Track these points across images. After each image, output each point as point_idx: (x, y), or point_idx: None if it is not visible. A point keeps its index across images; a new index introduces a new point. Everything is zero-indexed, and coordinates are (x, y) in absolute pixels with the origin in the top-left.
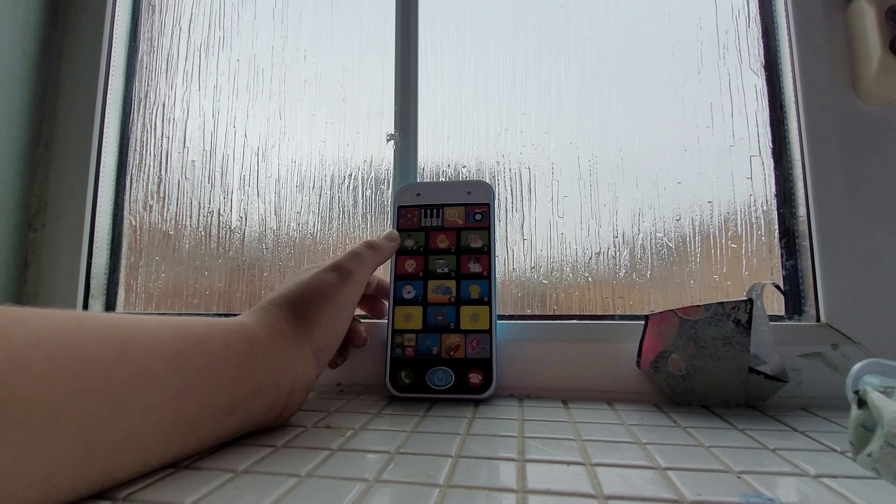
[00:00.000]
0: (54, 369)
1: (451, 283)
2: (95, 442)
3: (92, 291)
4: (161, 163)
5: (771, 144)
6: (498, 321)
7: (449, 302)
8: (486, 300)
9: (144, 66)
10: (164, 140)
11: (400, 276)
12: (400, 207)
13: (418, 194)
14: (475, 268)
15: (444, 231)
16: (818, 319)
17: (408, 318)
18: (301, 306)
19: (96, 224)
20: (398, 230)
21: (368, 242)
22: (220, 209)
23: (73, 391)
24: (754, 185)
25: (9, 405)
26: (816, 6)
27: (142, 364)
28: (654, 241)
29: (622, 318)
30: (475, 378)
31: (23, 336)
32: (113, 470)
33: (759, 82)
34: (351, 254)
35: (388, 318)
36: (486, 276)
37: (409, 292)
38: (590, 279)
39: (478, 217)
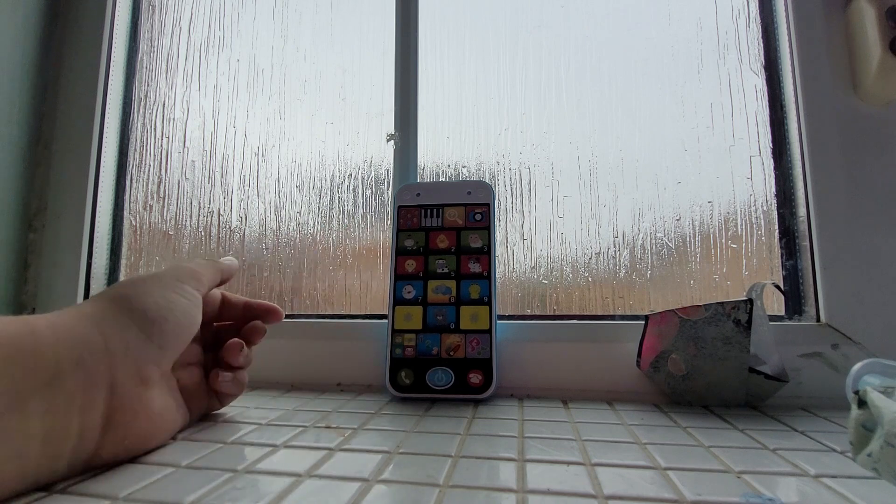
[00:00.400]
0: None
1: (451, 283)
2: None
3: (92, 291)
4: (161, 163)
5: (771, 144)
6: (498, 321)
7: (449, 302)
8: (486, 300)
9: (144, 66)
10: (164, 140)
11: (400, 276)
12: (400, 207)
13: (418, 194)
14: (475, 268)
15: (444, 231)
16: (818, 319)
17: (408, 318)
18: (112, 289)
19: (96, 224)
20: (398, 230)
21: (213, 266)
22: (220, 209)
23: None
24: (754, 185)
25: None
26: (816, 6)
27: None
28: (654, 241)
29: (622, 318)
30: (475, 378)
31: None
32: None
33: (759, 82)
34: (191, 271)
35: (388, 318)
36: (486, 276)
37: (409, 292)
38: (590, 279)
39: (478, 217)
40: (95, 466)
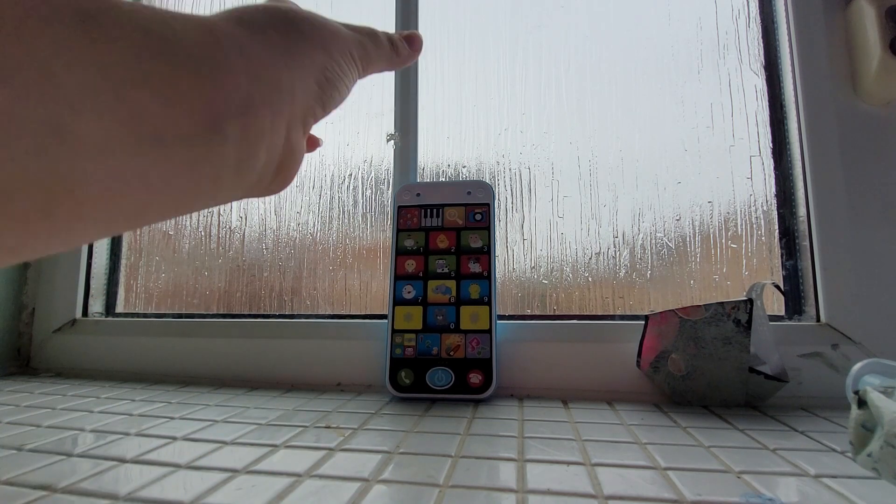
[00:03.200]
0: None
1: (451, 283)
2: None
3: (92, 291)
4: None
5: (771, 144)
6: (498, 321)
7: (449, 302)
8: (486, 300)
9: None
10: None
11: (400, 276)
12: (400, 207)
13: (418, 194)
14: (475, 268)
15: (443, 231)
16: (818, 319)
17: (408, 317)
18: (301, 22)
19: None
20: (398, 230)
21: (391, 37)
22: (220, 209)
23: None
24: (754, 185)
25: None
26: (816, 6)
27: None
28: (654, 241)
29: (622, 318)
30: (475, 378)
31: None
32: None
33: (759, 82)
34: (371, 35)
35: (388, 318)
36: (486, 276)
37: (409, 292)
38: (590, 279)
39: (478, 217)
40: (255, 196)
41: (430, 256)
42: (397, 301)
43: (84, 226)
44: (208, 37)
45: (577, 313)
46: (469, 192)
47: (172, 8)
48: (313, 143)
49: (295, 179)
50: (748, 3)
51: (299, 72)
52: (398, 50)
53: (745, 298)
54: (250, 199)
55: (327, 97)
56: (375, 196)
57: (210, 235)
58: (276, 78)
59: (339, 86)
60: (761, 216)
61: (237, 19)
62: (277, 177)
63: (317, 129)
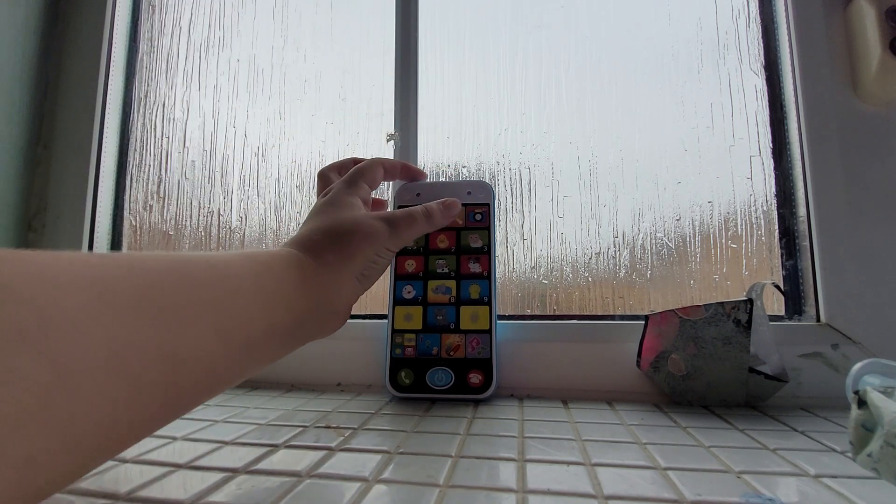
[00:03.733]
0: (185, 288)
1: (451, 283)
2: (226, 341)
3: None
4: (161, 163)
5: (771, 144)
6: (498, 321)
7: (449, 302)
8: (486, 300)
9: (144, 66)
10: (164, 140)
11: (400, 276)
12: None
13: (418, 194)
14: (475, 268)
15: (443, 231)
16: (818, 319)
17: (408, 318)
18: (346, 241)
19: (96, 224)
20: None
21: (427, 210)
22: (220, 209)
23: (204, 303)
24: (754, 185)
25: (166, 311)
26: (816, 6)
27: (238, 283)
28: (654, 241)
29: (622, 318)
30: (475, 378)
31: (153, 267)
32: (239, 369)
33: (759, 82)
34: (408, 216)
35: (388, 318)
36: (486, 276)
37: (409, 292)
38: (590, 279)
39: (478, 217)
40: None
41: (430, 256)
42: (397, 301)
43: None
44: (300, 272)
45: (577, 313)
46: (469, 192)
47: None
48: (379, 205)
49: (295, 180)
50: (748, 3)
51: (349, 275)
52: (433, 219)
53: (745, 298)
54: (250, 199)
55: (367, 281)
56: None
57: (210, 235)
58: (336, 289)
59: (376, 271)
60: (761, 216)
61: (315, 253)
62: (322, 331)
63: (317, 129)
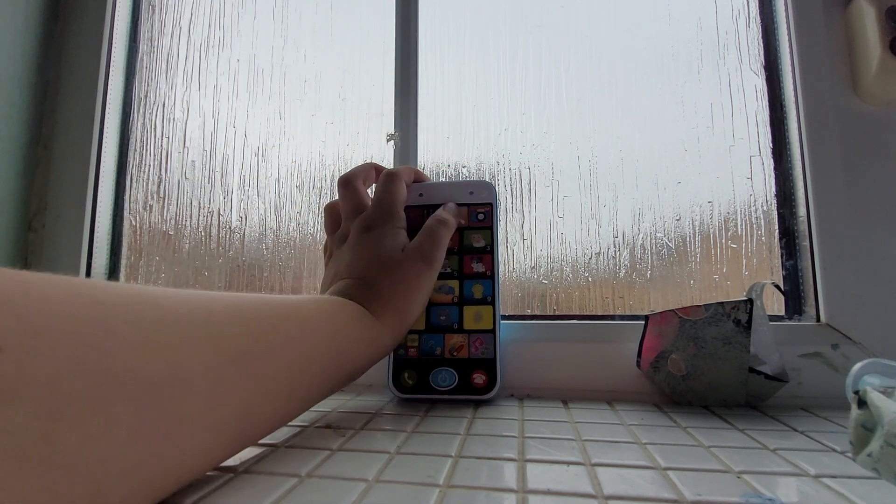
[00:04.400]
0: (209, 340)
1: (454, 283)
2: (294, 393)
3: None
4: (161, 163)
5: (771, 144)
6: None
7: (452, 302)
8: (489, 300)
9: (144, 66)
10: (164, 140)
11: None
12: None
13: (421, 194)
14: (478, 268)
15: None
16: (818, 319)
17: None
18: (399, 298)
19: (96, 224)
20: None
21: (444, 221)
22: (220, 209)
23: (280, 357)
24: (754, 185)
25: (182, 371)
26: (816, 6)
27: (273, 342)
28: (654, 241)
29: (622, 318)
30: (479, 378)
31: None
32: (286, 419)
33: (759, 82)
34: (435, 240)
35: None
36: (490, 276)
37: None
38: (590, 279)
39: (480, 217)
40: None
41: None
42: None
43: None
44: (344, 331)
45: (577, 313)
46: (472, 192)
47: None
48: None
49: (295, 181)
50: (748, 3)
51: (384, 338)
52: (451, 226)
53: (745, 298)
54: (250, 199)
55: (402, 335)
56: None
57: (210, 235)
58: (370, 347)
59: (411, 325)
60: (761, 216)
61: (361, 312)
62: (352, 379)
63: (317, 129)
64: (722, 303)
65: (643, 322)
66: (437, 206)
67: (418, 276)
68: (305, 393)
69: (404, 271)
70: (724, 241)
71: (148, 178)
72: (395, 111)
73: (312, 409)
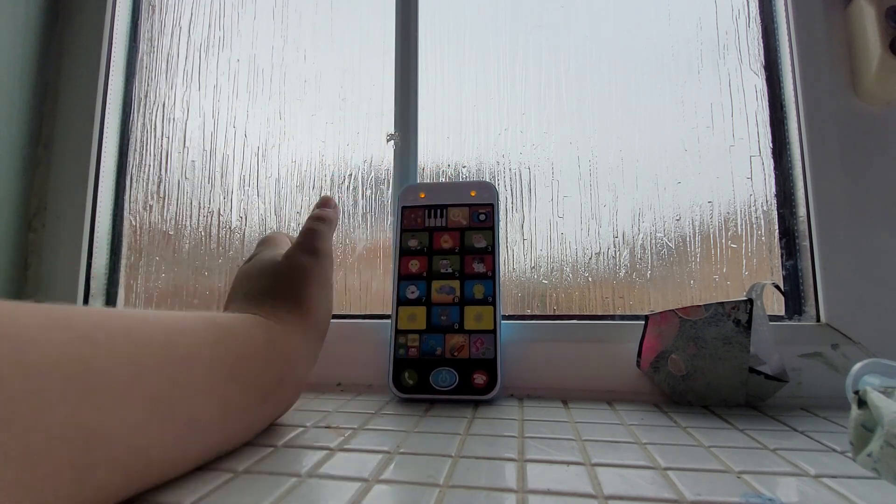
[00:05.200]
0: (118, 347)
1: (455, 284)
2: (164, 416)
3: (92, 291)
4: (161, 163)
5: (771, 144)
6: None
7: (453, 302)
8: (490, 300)
9: (144, 66)
10: (164, 140)
11: (404, 277)
12: (404, 208)
13: (422, 195)
14: (479, 268)
15: (447, 231)
16: (818, 319)
17: (411, 318)
18: (294, 294)
19: (96, 224)
20: (402, 230)
21: (318, 216)
22: (220, 209)
23: (139, 368)
24: (754, 185)
25: (87, 375)
26: (816, 6)
27: (190, 349)
28: (654, 241)
29: (622, 318)
30: (479, 378)
31: (81, 320)
32: (181, 451)
33: (759, 82)
34: (314, 233)
35: (391, 319)
36: (490, 277)
37: (412, 292)
38: (590, 279)
39: (482, 217)
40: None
41: (433, 256)
42: (401, 301)
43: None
44: (268, 337)
45: (577, 313)
46: (473, 193)
47: None
48: None
49: (295, 181)
50: (748, 3)
51: (308, 342)
52: (328, 219)
53: (745, 298)
54: (250, 199)
55: (323, 337)
56: (375, 196)
57: (210, 235)
58: (297, 353)
59: (327, 322)
60: (761, 216)
61: (276, 317)
62: (287, 408)
63: (317, 129)
64: (722, 303)
65: (643, 322)
66: (438, 207)
67: (304, 269)
68: (190, 409)
69: (290, 269)
70: (724, 241)
71: (148, 178)
72: (395, 111)
73: (312, 409)
